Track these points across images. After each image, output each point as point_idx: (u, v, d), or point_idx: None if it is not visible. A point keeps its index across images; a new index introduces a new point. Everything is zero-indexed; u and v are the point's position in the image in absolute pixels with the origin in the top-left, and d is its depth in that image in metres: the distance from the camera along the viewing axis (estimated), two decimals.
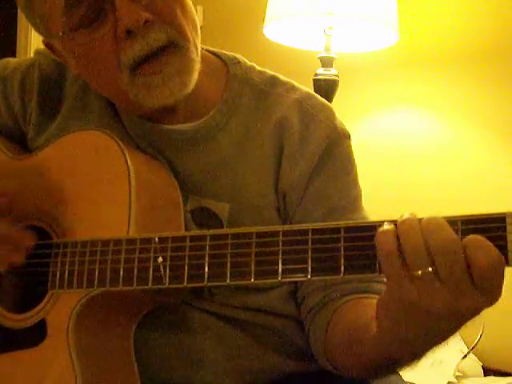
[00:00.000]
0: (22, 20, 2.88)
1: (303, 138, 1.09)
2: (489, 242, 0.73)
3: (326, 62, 2.29)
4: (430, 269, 0.74)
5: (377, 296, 1.02)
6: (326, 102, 1.16)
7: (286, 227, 0.84)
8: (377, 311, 0.83)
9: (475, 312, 0.77)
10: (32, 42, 2.86)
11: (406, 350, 0.84)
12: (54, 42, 1.07)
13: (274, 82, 1.15)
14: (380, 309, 0.82)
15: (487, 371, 2.19)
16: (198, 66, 1.03)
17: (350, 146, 1.14)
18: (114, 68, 1.00)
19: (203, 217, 1.07)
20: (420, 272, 0.74)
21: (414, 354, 0.86)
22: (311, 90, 1.17)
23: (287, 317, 1.10)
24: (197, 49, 1.04)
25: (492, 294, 0.75)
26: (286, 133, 1.09)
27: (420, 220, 0.76)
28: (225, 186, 1.08)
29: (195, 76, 1.03)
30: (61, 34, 1.01)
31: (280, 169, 1.08)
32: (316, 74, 2.29)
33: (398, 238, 0.75)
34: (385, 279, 0.79)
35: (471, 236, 0.74)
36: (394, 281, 0.77)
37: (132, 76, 1.00)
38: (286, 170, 1.08)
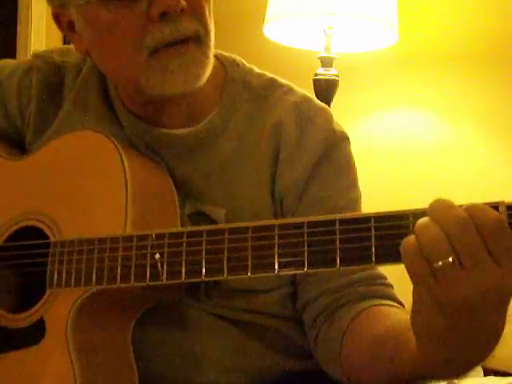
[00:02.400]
0: (22, 20, 2.88)
1: (300, 141, 1.08)
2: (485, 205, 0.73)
3: (326, 62, 2.29)
4: (451, 259, 0.72)
5: (391, 302, 1.01)
6: (324, 105, 1.14)
7: (282, 221, 0.84)
8: (416, 336, 0.80)
9: (504, 289, 0.73)
10: (32, 42, 2.85)
11: (451, 368, 0.81)
12: (69, 11, 1.04)
13: (272, 84, 1.14)
14: (419, 334, 0.79)
15: (487, 371, 2.18)
16: (211, 66, 1.04)
17: (349, 148, 1.12)
18: (133, 48, 0.99)
19: (200, 221, 1.07)
20: (440, 263, 0.72)
21: (460, 370, 0.83)
22: (309, 93, 1.16)
23: (285, 318, 1.10)
24: (212, 49, 1.04)
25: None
26: (282, 137, 1.08)
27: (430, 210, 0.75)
28: (221, 190, 1.08)
29: (208, 73, 1.03)
30: None
31: (276, 173, 1.08)
32: (316, 74, 2.29)
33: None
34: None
35: (468, 205, 0.74)
36: (420, 283, 0.74)
37: (149, 58, 0.99)
38: (283, 173, 1.07)
